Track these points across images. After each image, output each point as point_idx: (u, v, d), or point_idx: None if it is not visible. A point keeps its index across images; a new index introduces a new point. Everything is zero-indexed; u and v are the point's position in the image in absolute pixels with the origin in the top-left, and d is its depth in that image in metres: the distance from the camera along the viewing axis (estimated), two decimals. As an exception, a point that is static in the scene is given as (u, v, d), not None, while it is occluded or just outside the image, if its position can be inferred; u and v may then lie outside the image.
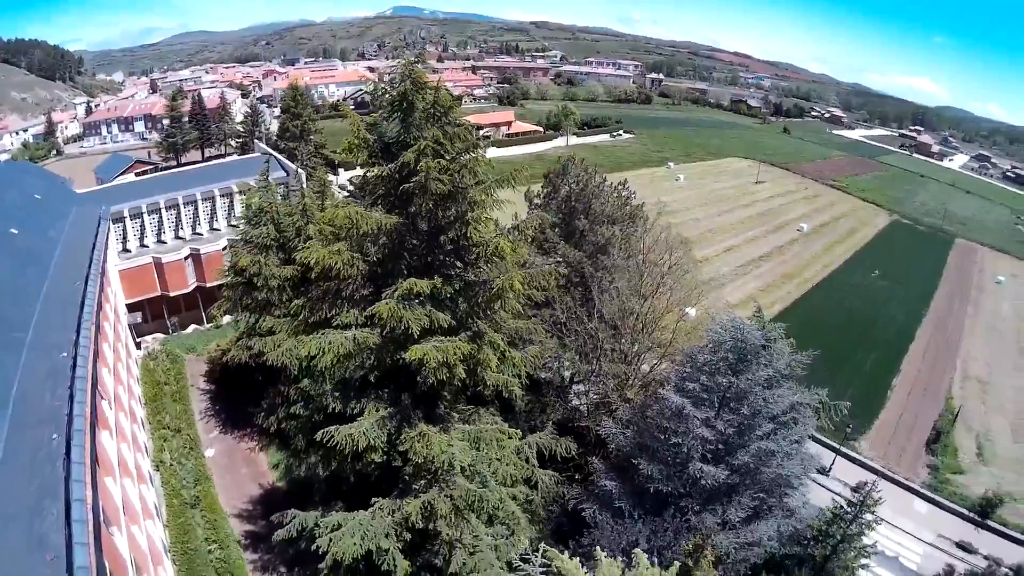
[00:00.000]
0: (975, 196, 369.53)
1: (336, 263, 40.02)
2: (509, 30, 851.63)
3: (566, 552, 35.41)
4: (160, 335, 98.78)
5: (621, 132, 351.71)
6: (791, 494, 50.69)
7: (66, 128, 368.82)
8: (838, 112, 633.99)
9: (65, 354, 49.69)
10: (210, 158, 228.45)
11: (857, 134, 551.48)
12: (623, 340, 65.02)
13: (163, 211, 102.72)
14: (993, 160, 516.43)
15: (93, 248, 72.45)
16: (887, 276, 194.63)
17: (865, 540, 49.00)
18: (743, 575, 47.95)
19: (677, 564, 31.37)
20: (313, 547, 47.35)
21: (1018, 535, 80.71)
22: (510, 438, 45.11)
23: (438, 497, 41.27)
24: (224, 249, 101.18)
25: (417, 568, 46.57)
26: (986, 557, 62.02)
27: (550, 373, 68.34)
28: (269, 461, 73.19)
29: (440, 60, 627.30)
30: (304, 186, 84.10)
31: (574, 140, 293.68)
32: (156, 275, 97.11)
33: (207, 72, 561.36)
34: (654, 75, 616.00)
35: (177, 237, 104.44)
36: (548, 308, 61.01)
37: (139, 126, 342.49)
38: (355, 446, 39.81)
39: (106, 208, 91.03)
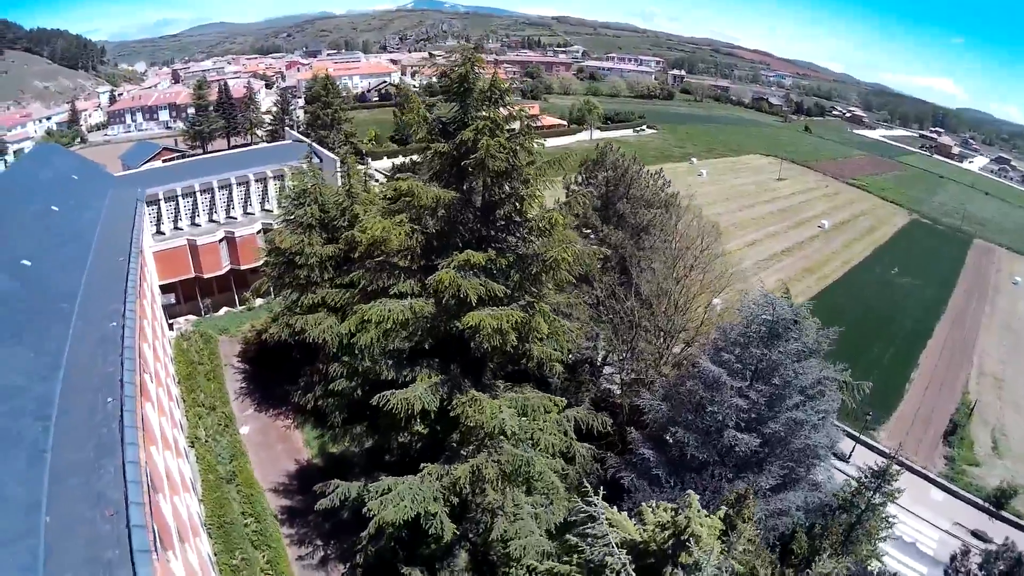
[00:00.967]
0: (994, 198, 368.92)
1: (398, 234, 41.16)
2: (530, 24, 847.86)
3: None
4: (192, 316, 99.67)
5: (644, 127, 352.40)
6: (817, 465, 51.96)
7: (90, 116, 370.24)
8: (859, 112, 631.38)
9: (114, 324, 50.91)
10: (236, 146, 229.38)
11: (878, 134, 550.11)
12: (658, 319, 66.40)
13: (198, 194, 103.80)
14: (1013, 163, 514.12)
15: (133, 227, 73.63)
16: (906, 274, 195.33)
17: (889, 510, 49.91)
18: (772, 543, 48.89)
19: (723, 510, 32.09)
20: (347, 515, 49.31)
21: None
22: (556, 406, 45.84)
23: (486, 462, 42.26)
24: (258, 232, 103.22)
25: (458, 536, 47.91)
26: (1004, 542, 62.92)
27: (587, 352, 69.42)
28: (304, 438, 74.22)
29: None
30: (339, 171, 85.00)
31: (598, 134, 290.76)
32: (190, 257, 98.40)
33: (229, 63, 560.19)
34: (676, 71, 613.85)
35: (211, 220, 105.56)
36: (587, 286, 62.11)
37: (164, 115, 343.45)
38: (410, 410, 40.78)
39: (142, 190, 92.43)
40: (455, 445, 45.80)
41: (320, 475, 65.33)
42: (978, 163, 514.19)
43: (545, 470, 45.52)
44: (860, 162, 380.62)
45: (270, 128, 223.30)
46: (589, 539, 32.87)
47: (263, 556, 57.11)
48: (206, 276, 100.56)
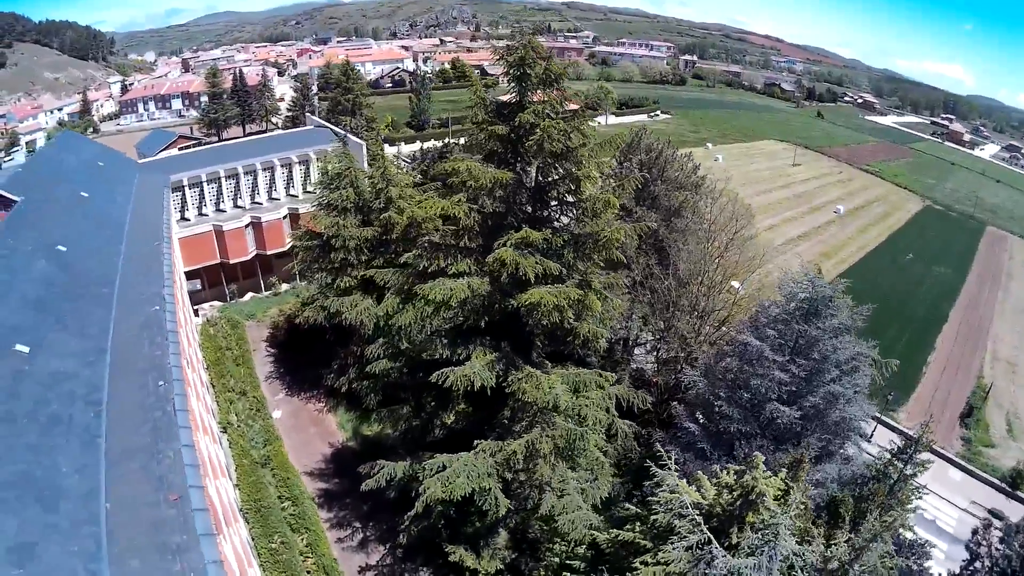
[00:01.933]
0: (1005, 185, 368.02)
1: (458, 213, 41.60)
2: (541, 10, 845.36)
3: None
4: (217, 303, 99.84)
5: (658, 112, 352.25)
6: (850, 438, 52.42)
7: (102, 106, 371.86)
8: (870, 98, 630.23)
9: (156, 308, 51.02)
10: (251, 133, 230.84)
11: (889, 120, 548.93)
12: (695, 298, 67.16)
13: (223, 180, 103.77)
14: (1023, 151, 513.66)
15: (163, 212, 73.83)
16: (920, 259, 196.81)
17: (920, 480, 50.11)
18: (816, 512, 49.21)
19: (782, 472, 32.65)
20: (393, 495, 49.55)
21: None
22: (607, 381, 46.27)
23: (540, 437, 42.65)
24: (284, 217, 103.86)
25: (503, 515, 48.06)
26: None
27: (621, 332, 69.82)
28: (338, 421, 74.32)
29: (473, 39, 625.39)
30: (366, 155, 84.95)
31: (613, 120, 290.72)
32: (216, 243, 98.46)
33: (238, 52, 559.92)
34: (687, 57, 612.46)
35: (236, 206, 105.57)
36: (623, 268, 62.31)
37: (176, 103, 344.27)
38: (470, 386, 41.00)
39: (167, 176, 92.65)
40: (506, 422, 46.21)
41: (355, 458, 66.01)
42: (989, 150, 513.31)
43: (590, 447, 46.02)
44: (873, 148, 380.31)
45: (290, 114, 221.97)
46: (657, 504, 33.65)
47: (302, 539, 57.20)
48: (232, 262, 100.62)
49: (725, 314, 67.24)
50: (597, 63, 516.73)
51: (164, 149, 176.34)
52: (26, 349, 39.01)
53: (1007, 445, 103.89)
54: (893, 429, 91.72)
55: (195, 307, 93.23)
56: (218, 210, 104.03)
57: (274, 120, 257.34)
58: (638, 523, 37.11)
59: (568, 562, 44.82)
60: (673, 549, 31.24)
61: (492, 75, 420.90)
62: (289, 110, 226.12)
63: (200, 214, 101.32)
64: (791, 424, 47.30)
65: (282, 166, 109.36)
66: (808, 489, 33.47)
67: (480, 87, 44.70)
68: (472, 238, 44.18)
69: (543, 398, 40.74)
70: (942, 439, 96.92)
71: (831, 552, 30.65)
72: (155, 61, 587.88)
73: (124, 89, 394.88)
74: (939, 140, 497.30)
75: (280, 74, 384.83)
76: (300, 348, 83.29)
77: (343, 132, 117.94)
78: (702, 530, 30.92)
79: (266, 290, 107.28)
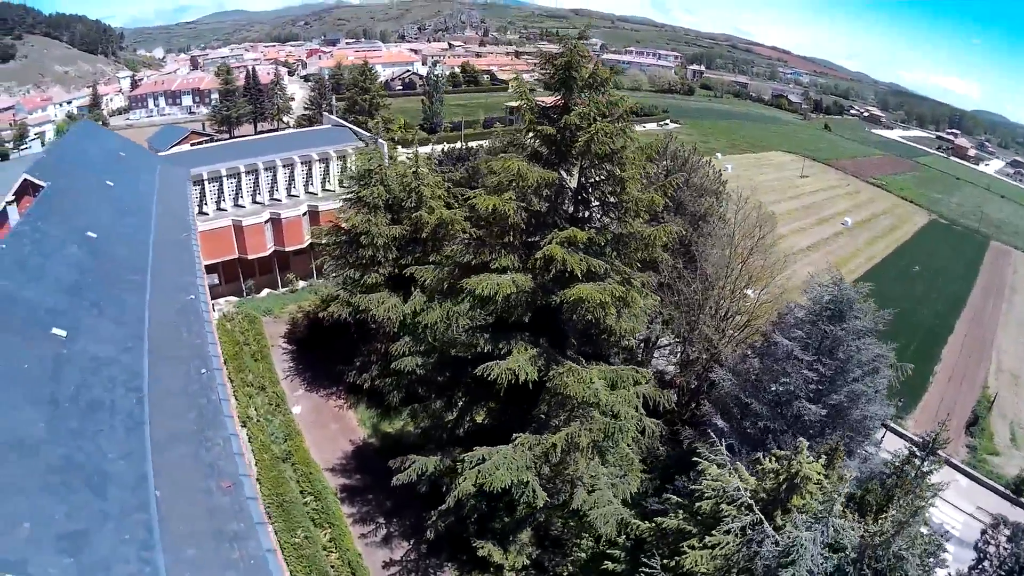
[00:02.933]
0: (1010, 201, 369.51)
1: (508, 210, 41.77)
2: (548, 16, 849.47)
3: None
4: (233, 298, 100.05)
5: (668, 121, 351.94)
6: (870, 436, 53.23)
7: (111, 101, 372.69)
8: (876, 111, 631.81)
9: (191, 296, 51.38)
10: (262, 131, 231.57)
11: (895, 134, 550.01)
12: (721, 300, 68.32)
13: (243, 176, 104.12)
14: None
15: (188, 203, 74.00)
16: (927, 272, 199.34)
17: (936, 478, 50.72)
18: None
19: (822, 459, 33.75)
20: (425, 489, 50.59)
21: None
22: (644, 377, 46.96)
23: (579, 430, 42.95)
24: (304, 214, 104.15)
25: (532, 510, 48.75)
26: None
27: (646, 332, 70.56)
28: (359, 418, 74.39)
29: (482, 44, 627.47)
30: (386, 154, 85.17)
31: None
32: (235, 237, 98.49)
33: (247, 50, 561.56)
34: (695, 66, 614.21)
35: (255, 202, 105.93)
36: (649, 269, 62.91)
37: (187, 100, 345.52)
38: (514, 379, 41.21)
39: (187, 169, 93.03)
40: (543, 416, 46.65)
41: (376, 454, 67.41)
42: (994, 166, 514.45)
43: (624, 442, 46.38)
44: (879, 162, 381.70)
45: (307, 112, 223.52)
46: (702, 492, 35.01)
47: (325, 534, 57.21)
48: (250, 257, 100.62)
49: (747, 317, 68.13)
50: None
51: (176, 144, 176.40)
52: (63, 333, 38.88)
53: (1011, 454, 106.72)
54: (901, 436, 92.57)
55: (212, 301, 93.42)
56: (236, 205, 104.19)
57: (286, 119, 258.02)
58: (681, 511, 38.16)
59: (609, 552, 45.22)
60: (725, 532, 32.66)
61: (503, 81, 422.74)
62: (306, 109, 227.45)
63: (219, 209, 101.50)
64: (817, 421, 48.13)
65: (302, 163, 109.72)
66: (847, 475, 34.09)
67: (526, 90, 45.30)
68: (516, 235, 44.88)
69: (584, 393, 41.30)
70: (949, 447, 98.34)
71: (877, 527, 31.20)
72: (164, 57, 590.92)
73: (134, 84, 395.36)
74: (944, 155, 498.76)
75: (290, 74, 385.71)
76: (319, 345, 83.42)
77: (362, 131, 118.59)
78: (754, 511, 32.39)
79: (283, 286, 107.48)
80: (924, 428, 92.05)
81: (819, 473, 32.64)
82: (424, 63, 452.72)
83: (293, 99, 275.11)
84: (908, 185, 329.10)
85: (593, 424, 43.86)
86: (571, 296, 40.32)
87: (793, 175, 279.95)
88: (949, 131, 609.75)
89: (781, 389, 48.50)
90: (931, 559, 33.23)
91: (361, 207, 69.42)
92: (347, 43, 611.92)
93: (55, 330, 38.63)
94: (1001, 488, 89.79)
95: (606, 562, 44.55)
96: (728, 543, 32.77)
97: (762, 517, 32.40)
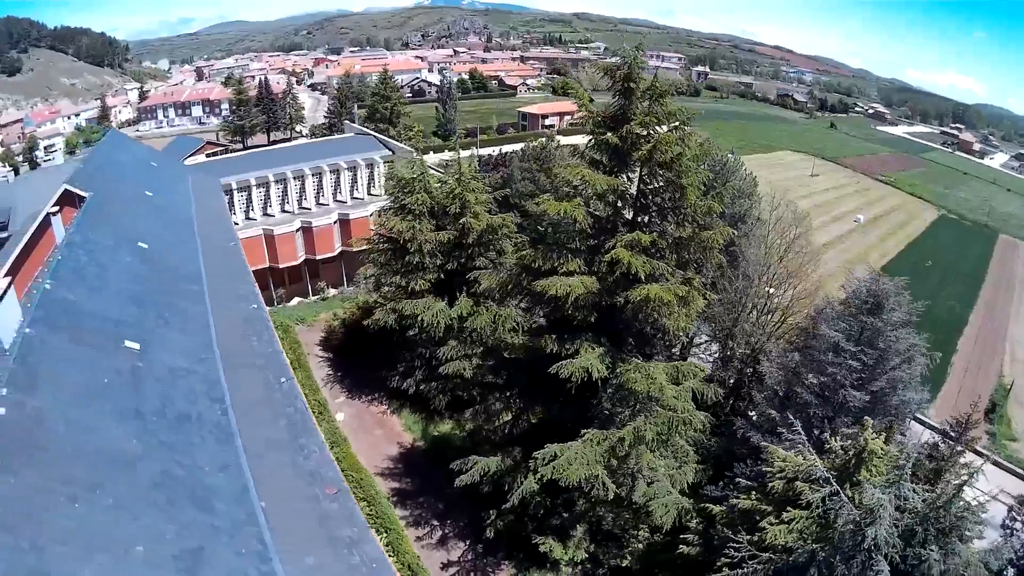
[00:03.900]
0: (1016, 194, 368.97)
1: (577, 215, 42.79)
2: (551, 21, 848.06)
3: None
4: (265, 307, 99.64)
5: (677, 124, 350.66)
6: (907, 421, 54.82)
7: (119, 112, 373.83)
8: (881, 108, 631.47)
9: (255, 306, 52.33)
10: (275, 141, 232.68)
11: (900, 130, 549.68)
12: (760, 297, 69.95)
13: (272, 184, 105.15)
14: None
15: (228, 213, 74.35)
16: (939, 266, 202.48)
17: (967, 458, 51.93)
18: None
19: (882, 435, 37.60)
20: (488, 489, 51.00)
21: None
22: (702, 372, 48.72)
23: (644, 424, 44.05)
24: (335, 223, 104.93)
25: (590, 504, 50.34)
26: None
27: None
28: (403, 423, 74.73)
29: (487, 50, 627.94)
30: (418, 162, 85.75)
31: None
32: (265, 247, 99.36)
33: (252, 60, 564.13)
34: (699, 68, 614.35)
35: (284, 211, 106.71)
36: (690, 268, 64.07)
37: (196, 110, 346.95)
38: (587, 376, 42.47)
39: (217, 179, 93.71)
40: (606, 412, 47.44)
41: (424, 457, 68.32)
42: (999, 160, 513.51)
43: (686, 434, 48.07)
44: (886, 159, 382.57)
45: (327, 121, 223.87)
46: (775, 472, 38.70)
47: (382, 539, 57.02)
48: (281, 266, 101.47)
49: (783, 313, 69.39)
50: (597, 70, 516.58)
51: (191, 155, 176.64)
52: (136, 346, 38.44)
53: None
54: (924, 424, 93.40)
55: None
56: (266, 214, 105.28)
57: (298, 128, 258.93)
58: (753, 492, 40.94)
59: (683, 536, 47.19)
60: (805, 507, 35.66)
61: (511, 87, 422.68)
62: (326, 117, 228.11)
63: (247, 218, 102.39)
64: (860, 407, 49.67)
65: (331, 172, 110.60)
66: (910, 447, 36.97)
67: (587, 99, 46.85)
68: (583, 239, 45.93)
69: (650, 388, 42.55)
70: (971, 432, 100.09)
71: (937, 492, 34.25)
72: (169, 69, 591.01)
73: (142, 96, 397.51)
74: (950, 150, 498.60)
75: (298, 83, 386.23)
76: (357, 352, 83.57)
77: (388, 140, 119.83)
78: (832, 484, 34.84)
79: (313, 295, 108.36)
80: (945, 416, 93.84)
81: (880, 448, 35.62)
82: (431, 70, 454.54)
83: (304, 108, 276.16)
84: (916, 181, 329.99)
85: (658, 418, 45.02)
86: (637, 296, 41.29)
87: (804, 174, 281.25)
88: (953, 126, 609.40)
89: (826, 380, 50.46)
90: (980, 525, 35.18)
91: (405, 214, 69.74)
92: (351, 51, 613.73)
93: (127, 343, 38.34)
94: (1021, 472, 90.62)
95: (681, 546, 46.54)
96: (803, 517, 35.53)
97: (839, 488, 34.69)
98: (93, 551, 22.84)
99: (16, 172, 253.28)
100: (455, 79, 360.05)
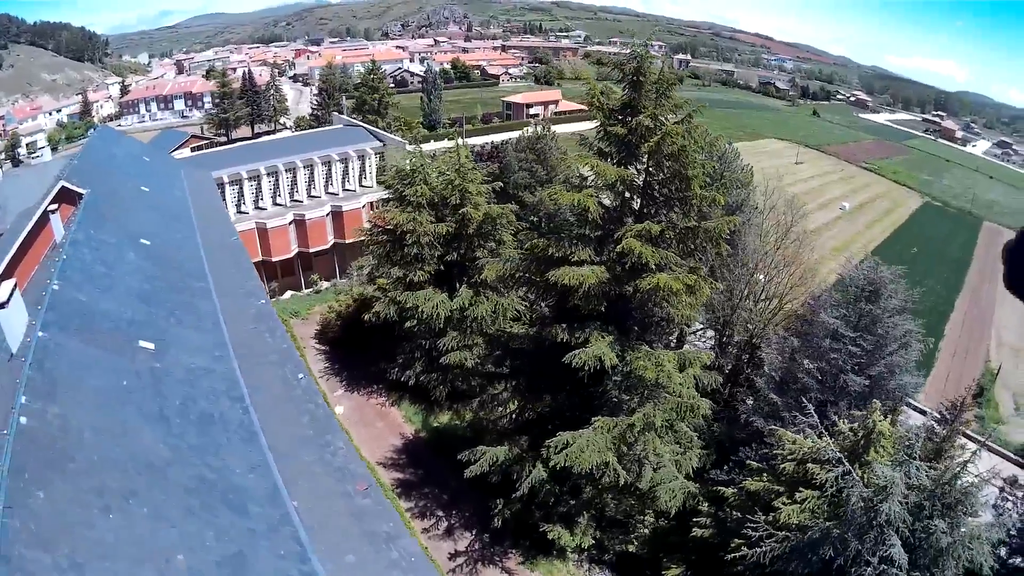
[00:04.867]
0: (998, 181, 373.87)
1: (590, 204, 43.45)
2: (531, 10, 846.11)
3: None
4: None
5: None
6: (903, 403, 56.17)
7: (101, 107, 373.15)
8: (863, 96, 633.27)
9: (263, 301, 52.69)
10: (259, 134, 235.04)
11: (882, 118, 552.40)
12: (758, 285, 71.16)
13: (263, 177, 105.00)
14: (1015, 147, 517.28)
15: (222, 205, 74.06)
16: (924, 253, 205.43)
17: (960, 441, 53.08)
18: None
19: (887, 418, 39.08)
20: (496, 479, 51.51)
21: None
22: (708, 358, 49.38)
23: (653, 411, 44.78)
24: (327, 215, 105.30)
25: (601, 489, 50.50)
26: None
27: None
28: (403, 415, 75.07)
29: (468, 39, 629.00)
30: (410, 152, 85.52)
31: None
32: (259, 240, 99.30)
33: (232, 53, 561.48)
34: (681, 56, 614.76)
35: (276, 204, 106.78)
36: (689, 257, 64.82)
37: (179, 104, 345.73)
38: (599, 364, 43.18)
39: (209, 173, 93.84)
40: (614, 400, 48.12)
41: (427, 448, 68.91)
42: (981, 147, 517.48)
43: (694, 419, 48.83)
44: (869, 146, 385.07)
45: (315, 113, 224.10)
46: (785, 455, 40.65)
47: (387, 529, 57.51)
48: (273, 259, 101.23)
49: (779, 300, 70.41)
50: (593, 63, 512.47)
51: (177, 148, 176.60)
52: (151, 345, 38.00)
53: (1017, 423, 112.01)
54: (915, 409, 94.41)
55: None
56: (258, 207, 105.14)
57: (283, 120, 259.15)
58: (764, 475, 42.75)
59: (695, 519, 48.33)
60: (818, 487, 37.34)
61: (493, 76, 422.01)
62: (314, 109, 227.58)
63: (239, 211, 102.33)
64: (859, 391, 51.01)
65: (323, 164, 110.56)
66: (918, 427, 40.77)
67: (598, 90, 46.95)
68: (593, 229, 46.44)
69: (658, 375, 43.39)
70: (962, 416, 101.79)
71: (942, 467, 35.62)
72: (149, 63, 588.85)
73: (124, 90, 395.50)
74: (932, 137, 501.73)
75: (280, 75, 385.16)
76: (353, 344, 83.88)
77: (379, 131, 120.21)
78: (844, 463, 36.02)
79: (307, 287, 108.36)
80: (935, 401, 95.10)
81: (888, 429, 37.41)
82: (413, 60, 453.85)
83: (287, 100, 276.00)
84: (899, 168, 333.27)
85: (666, 404, 45.87)
86: (647, 285, 42.03)
87: (788, 162, 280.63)
88: (935, 113, 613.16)
89: (825, 365, 51.93)
90: (981, 502, 36.53)
91: (404, 206, 69.95)
92: (331, 42, 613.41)
93: (142, 342, 37.92)
94: (1011, 455, 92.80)
95: (694, 529, 47.63)
96: (815, 496, 37.19)
97: (850, 468, 35.82)
98: (135, 564, 22.61)
99: (16, 164, 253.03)
100: (438, 68, 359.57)
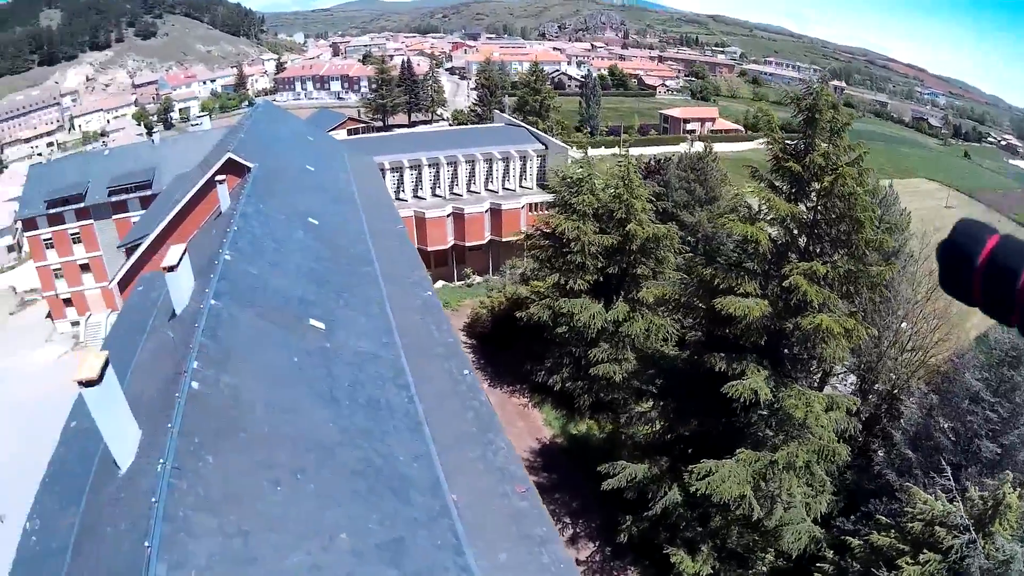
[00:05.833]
0: None
1: (761, 238, 44.50)
2: (687, 22, 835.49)
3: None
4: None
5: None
6: None
7: (256, 81, 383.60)
8: (1013, 140, 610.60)
9: (430, 292, 53.14)
10: (415, 123, 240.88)
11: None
12: (906, 336, 69.32)
13: (424, 168, 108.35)
14: None
15: (386, 191, 74.74)
16: None
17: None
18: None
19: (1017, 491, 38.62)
20: (632, 495, 52.52)
21: None
22: (854, 404, 50.08)
23: (797, 450, 45.27)
24: (485, 212, 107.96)
25: (730, 520, 50.61)
26: None
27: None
28: (544, 418, 76.05)
29: (624, 47, 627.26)
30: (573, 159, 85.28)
31: None
32: (415, 229, 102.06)
33: (388, 40, 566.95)
34: (836, 83, 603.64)
35: (435, 195, 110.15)
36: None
37: (335, 85, 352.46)
38: (754, 396, 43.86)
39: (372, 158, 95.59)
40: (759, 435, 48.78)
41: (563, 454, 69.88)
42: None
43: (827, 463, 49.18)
44: (1019, 196, 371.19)
45: (475, 109, 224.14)
46: (915, 514, 40.62)
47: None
48: (429, 249, 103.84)
49: (923, 354, 68.93)
50: (749, 81, 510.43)
51: (333, 129, 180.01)
52: (322, 325, 38.22)
53: None
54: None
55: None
56: (416, 197, 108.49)
57: (439, 111, 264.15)
58: (892, 531, 42.72)
59: (818, 565, 48.46)
60: (943, 552, 37.46)
61: (650, 86, 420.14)
62: (475, 105, 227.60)
63: (398, 199, 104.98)
64: (992, 458, 50.13)
65: (484, 161, 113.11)
66: None
67: (777, 126, 50.59)
68: (761, 263, 47.35)
69: (806, 415, 43.83)
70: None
71: None
72: (305, 42, 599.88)
73: (279, 67, 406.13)
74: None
75: (437, 66, 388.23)
76: (501, 342, 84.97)
77: (540, 133, 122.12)
78: (971, 532, 36.67)
79: (458, 280, 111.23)
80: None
81: (1016, 502, 37.15)
82: (570, 63, 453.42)
83: (444, 92, 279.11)
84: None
85: (809, 445, 46.15)
86: (808, 324, 42.84)
87: (938, 205, 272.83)
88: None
89: (962, 427, 51.63)
90: None
91: (570, 213, 70.47)
92: (488, 38, 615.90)
93: (312, 321, 38.13)
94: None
95: (815, 575, 47.91)
96: (937, 560, 37.28)
97: (976, 537, 36.43)
98: (300, 538, 22.96)
99: (149, 131, 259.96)
100: (596, 75, 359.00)
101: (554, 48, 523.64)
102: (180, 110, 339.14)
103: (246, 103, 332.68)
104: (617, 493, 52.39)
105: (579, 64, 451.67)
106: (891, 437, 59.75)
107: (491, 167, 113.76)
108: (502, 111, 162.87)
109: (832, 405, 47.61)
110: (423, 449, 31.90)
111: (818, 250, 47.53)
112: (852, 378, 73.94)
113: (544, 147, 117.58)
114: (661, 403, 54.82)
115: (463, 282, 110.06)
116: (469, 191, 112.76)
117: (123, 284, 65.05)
